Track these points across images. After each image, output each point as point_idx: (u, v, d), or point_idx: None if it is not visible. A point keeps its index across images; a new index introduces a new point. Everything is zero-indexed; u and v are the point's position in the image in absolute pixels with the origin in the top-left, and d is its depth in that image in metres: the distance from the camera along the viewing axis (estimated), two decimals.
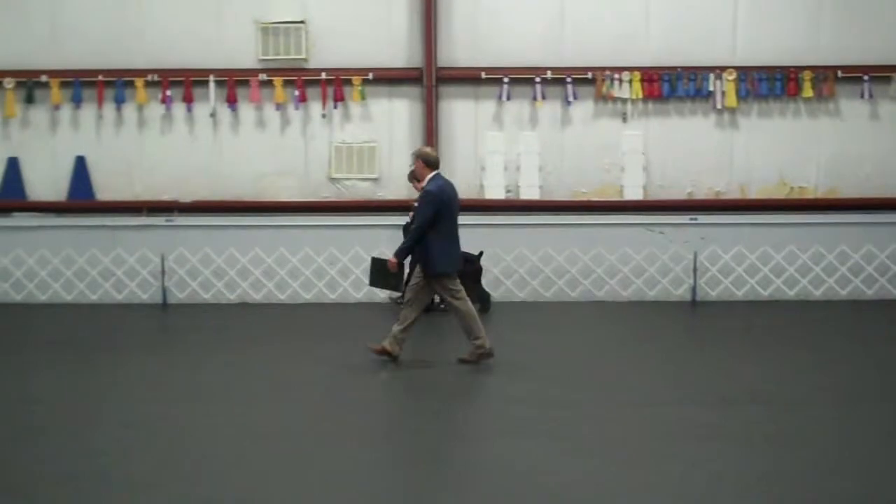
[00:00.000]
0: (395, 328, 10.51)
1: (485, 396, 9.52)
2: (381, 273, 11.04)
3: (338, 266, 15.47)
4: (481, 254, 14.40)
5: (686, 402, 8.99)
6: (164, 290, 15.35)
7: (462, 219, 14.53)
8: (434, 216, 10.41)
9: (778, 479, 6.78)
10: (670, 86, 15.70)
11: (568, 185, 15.84)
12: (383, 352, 10.50)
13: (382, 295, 14.68)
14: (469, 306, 10.53)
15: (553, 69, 15.63)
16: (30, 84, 15.61)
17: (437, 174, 10.77)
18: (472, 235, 15.17)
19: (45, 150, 15.81)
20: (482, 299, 14.20)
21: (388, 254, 11.50)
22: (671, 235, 15.52)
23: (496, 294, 15.31)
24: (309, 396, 9.32)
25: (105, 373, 10.59)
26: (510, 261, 15.44)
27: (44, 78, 15.60)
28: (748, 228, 15.51)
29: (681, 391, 9.49)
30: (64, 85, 15.63)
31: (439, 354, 11.22)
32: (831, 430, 8.10)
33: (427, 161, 10.87)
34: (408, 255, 10.78)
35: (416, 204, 11.16)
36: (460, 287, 10.57)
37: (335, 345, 11.97)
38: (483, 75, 15.66)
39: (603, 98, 15.73)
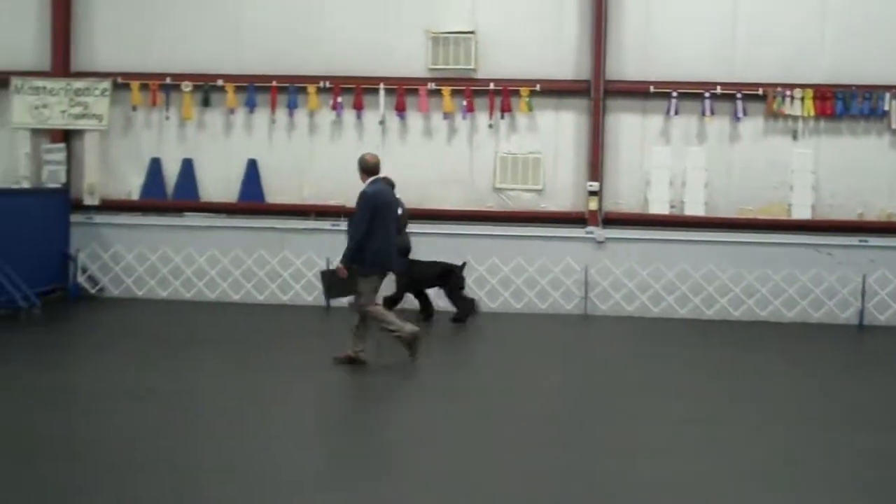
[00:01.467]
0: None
1: (644, 416, 9.45)
2: (333, 283, 11.48)
3: (499, 276, 15.57)
4: (465, 264, 14.59)
5: (850, 427, 9.04)
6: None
7: (625, 232, 14.75)
8: (370, 217, 10.94)
9: None
10: (844, 104, 15.35)
11: (734, 202, 15.62)
12: (349, 360, 11.02)
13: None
14: (374, 314, 11.00)
15: (723, 84, 15.44)
16: (206, 88, 16.08)
17: (377, 179, 11.33)
18: (634, 248, 15.28)
19: (218, 153, 16.25)
20: (462, 309, 14.50)
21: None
22: (839, 257, 15.21)
23: (657, 310, 15.26)
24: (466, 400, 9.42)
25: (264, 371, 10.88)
26: (672, 276, 15.33)
27: (220, 82, 16.04)
28: None
29: (841, 416, 9.54)
30: (239, 90, 16.05)
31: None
32: None
33: (363, 167, 11.42)
34: (352, 259, 11.07)
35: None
36: (375, 292, 11.17)
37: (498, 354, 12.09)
38: (651, 89, 15.55)
39: (773, 115, 15.46)
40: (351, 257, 11.04)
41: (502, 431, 8.64)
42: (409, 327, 11.15)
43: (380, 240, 11.02)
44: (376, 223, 10.99)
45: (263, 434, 8.39)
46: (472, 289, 15.47)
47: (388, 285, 13.11)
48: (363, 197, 11.13)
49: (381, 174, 11.55)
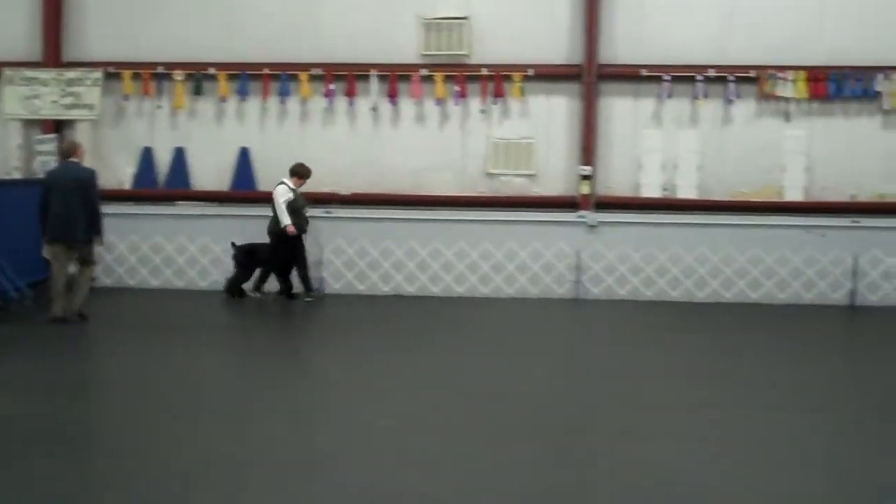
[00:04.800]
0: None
1: (640, 400, 9.46)
2: None
3: (492, 261, 15.58)
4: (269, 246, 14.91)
5: (843, 409, 9.04)
6: (322, 281, 15.66)
7: (617, 216, 14.80)
8: (45, 194, 12.55)
9: None
10: (836, 86, 15.35)
11: (726, 185, 15.62)
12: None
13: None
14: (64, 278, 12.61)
15: (715, 67, 15.43)
16: (198, 76, 16.05)
17: (66, 161, 12.81)
18: (627, 232, 15.30)
19: (210, 141, 16.23)
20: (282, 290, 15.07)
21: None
22: (832, 238, 15.24)
23: (649, 293, 15.29)
24: (461, 387, 9.43)
25: (265, 359, 10.89)
26: (664, 259, 15.36)
27: (212, 71, 16.02)
28: None
29: (838, 397, 9.52)
30: (231, 78, 16.03)
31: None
32: None
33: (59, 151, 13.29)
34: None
35: None
36: (57, 259, 12.64)
37: (490, 340, 12.12)
38: (644, 73, 15.54)
39: (766, 97, 15.46)
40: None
41: (492, 416, 8.63)
42: (56, 309, 12.49)
43: (54, 215, 12.46)
44: (51, 200, 12.45)
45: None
46: (465, 274, 15.53)
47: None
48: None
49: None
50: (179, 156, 16.26)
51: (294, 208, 14.66)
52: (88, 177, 12.81)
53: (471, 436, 7.97)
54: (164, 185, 16.30)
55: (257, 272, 15.11)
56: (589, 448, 7.71)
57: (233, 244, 15.09)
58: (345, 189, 15.95)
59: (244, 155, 16.12)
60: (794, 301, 15.25)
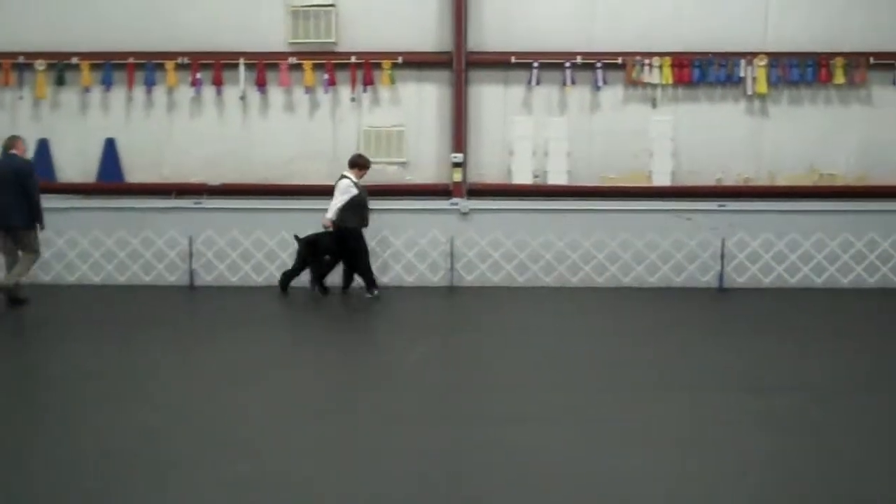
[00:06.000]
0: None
1: (512, 382, 9.49)
2: None
3: None
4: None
5: (709, 389, 8.99)
6: (192, 273, 15.42)
7: (489, 203, 14.84)
8: None
9: (814, 463, 6.77)
10: (701, 71, 15.64)
11: (596, 171, 15.81)
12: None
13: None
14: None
15: (583, 54, 15.59)
16: (61, 66, 15.69)
17: (7, 154, 13.27)
18: (499, 219, 15.31)
19: (74, 132, 15.90)
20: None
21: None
22: (699, 222, 15.48)
23: (522, 279, 15.35)
24: (337, 375, 9.36)
25: (129, 353, 10.64)
26: (537, 246, 15.44)
27: (75, 60, 15.67)
28: (777, 215, 15.43)
29: (703, 377, 9.48)
30: (94, 67, 15.71)
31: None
32: (862, 417, 8.05)
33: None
34: None
35: None
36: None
37: (362, 330, 12.00)
38: (513, 60, 15.63)
39: (633, 83, 15.68)
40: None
41: (367, 405, 8.51)
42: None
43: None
44: None
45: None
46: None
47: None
48: None
49: None
50: (43, 148, 15.89)
51: (356, 202, 14.13)
52: (27, 169, 13.35)
53: (351, 424, 7.85)
54: None
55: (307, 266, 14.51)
56: (456, 435, 7.61)
57: (295, 236, 14.55)
58: (215, 179, 15.74)
59: (110, 146, 15.81)
60: (664, 284, 15.45)
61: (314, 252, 14.34)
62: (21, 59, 15.72)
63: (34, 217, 13.29)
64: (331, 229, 14.05)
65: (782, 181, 15.84)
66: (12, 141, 13.58)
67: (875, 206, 15.48)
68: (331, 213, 14.01)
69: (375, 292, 14.17)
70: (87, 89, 15.77)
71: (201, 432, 7.56)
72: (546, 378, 9.52)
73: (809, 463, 6.89)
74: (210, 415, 8.10)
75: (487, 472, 6.68)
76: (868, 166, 15.77)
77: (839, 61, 15.54)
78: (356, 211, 14.12)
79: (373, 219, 15.39)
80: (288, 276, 14.51)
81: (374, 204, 15.50)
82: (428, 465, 6.87)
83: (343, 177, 14.23)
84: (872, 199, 15.60)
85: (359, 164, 14.29)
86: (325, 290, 14.26)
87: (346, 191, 14.02)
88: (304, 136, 15.86)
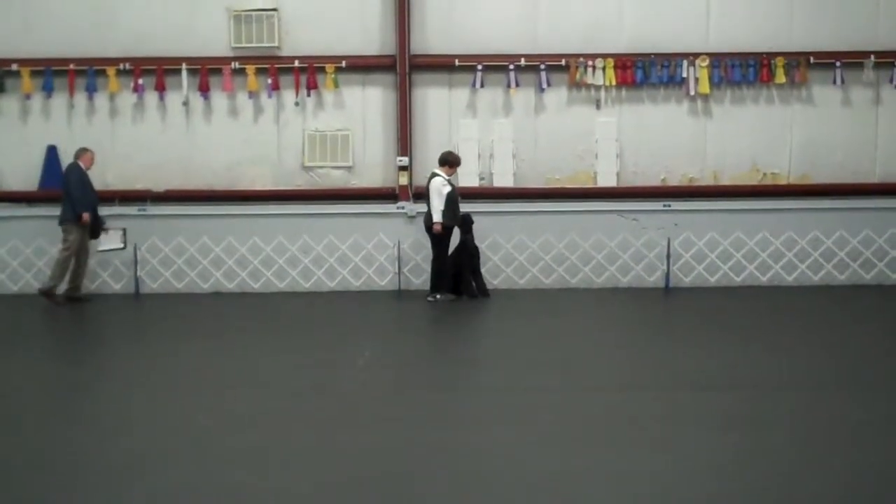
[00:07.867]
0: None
1: (456, 385, 9.48)
2: None
3: (312, 255, 15.44)
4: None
5: (656, 388, 8.96)
6: (137, 280, 15.30)
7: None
8: None
9: (751, 462, 6.80)
10: (643, 72, 15.71)
11: (541, 173, 15.85)
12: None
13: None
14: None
15: (527, 56, 15.62)
16: (0, 73, 15.49)
17: None
18: None
19: (15, 140, 15.70)
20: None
21: None
22: (645, 222, 15.56)
23: None
24: (278, 383, 9.29)
25: (72, 365, 10.54)
26: (485, 248, 15.43)
27: (14, 66, 15.48)
28: (721, 215, 15.56)
29: (651, 377, 9.45)
30: (35, 74, 15.53)
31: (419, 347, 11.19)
32: (802, 414, 8.08)
33: None
34: None
35: None
36: None
37: (308, 334, 11.95)
38: (457, 62, 15.64)
39: (576, 85, 15.72)
40: None
41: (317, 409, 8.42)
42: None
43: None
44: None
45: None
46: (285, 269, 15.36)
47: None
48: None
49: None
50: None
51: (450, 199, 14.04)
52: None
53: (295, 429, 7.75)
54: None
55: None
56: (406, 436, 7.57)
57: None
58: (159, 186, 15.62)
59: (52, 153, 15.62)
60: (611, 285, 15.52)
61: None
62: None
63: None
64: (441, 234, 14.02)
65: (726, 181, 15.93)
66: None
67: (817, 205, 15.64)
68: (437, 217, 13.99)
69: (438, 297, 14.18)
70: (27, 96, 15.58)
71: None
72: (484, 380, 9.52)
73: (743, 459, 6.91)
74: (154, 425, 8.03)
75: (430, 472, 6.66)
76: (810, 165, 15.90)
77: (780, 61, 15.66)
78: (449, 207, 14.08)
79: (318, 224, 15.42)
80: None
81: (318, 209, 15.56)
82: (369, 466, 6.82)
83: (434, 175, 14.22)
84: (815, 197, 15.74)
85: (449, 161, 14.33)
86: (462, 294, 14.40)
87: (442, 187, 14.02)
88: (248, 141, 15.77)
